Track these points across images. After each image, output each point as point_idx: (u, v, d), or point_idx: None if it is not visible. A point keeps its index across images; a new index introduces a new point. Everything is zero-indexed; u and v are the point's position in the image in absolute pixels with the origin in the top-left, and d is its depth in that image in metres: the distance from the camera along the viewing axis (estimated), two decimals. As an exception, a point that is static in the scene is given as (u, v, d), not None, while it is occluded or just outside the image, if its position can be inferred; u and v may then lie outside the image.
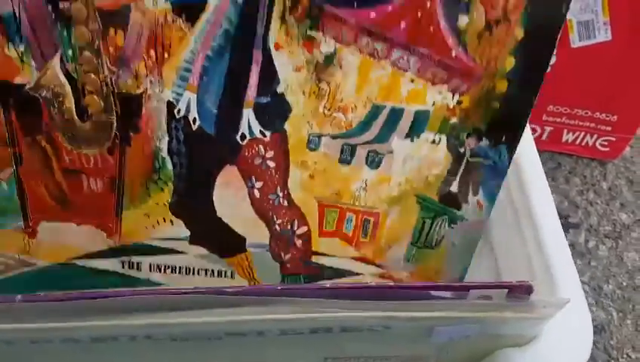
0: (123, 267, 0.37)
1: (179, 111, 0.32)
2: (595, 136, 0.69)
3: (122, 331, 0.28)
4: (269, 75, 0.31)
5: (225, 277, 0.38)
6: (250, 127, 0.33)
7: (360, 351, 0.32)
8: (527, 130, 0.39)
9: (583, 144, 0.70)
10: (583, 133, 0.69)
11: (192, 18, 0.30)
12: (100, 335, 0.28)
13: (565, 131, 0.70)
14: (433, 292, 0.28)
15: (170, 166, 0.34)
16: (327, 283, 0.28)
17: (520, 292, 0.28)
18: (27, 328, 0.27)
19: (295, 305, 0.27)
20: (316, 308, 0.28)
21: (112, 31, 0.30)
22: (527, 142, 0.39)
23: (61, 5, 0.29)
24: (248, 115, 0.32)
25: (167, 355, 0.30)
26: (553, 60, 0.66)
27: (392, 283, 0.30)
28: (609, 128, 0.69)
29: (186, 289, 0.27)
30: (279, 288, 0.27)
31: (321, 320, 0.28)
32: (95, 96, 0.31)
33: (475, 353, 0.32)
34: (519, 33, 0.30)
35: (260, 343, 0.30)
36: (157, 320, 0.27)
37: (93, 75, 0.31)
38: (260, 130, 0.33)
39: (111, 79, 0.31)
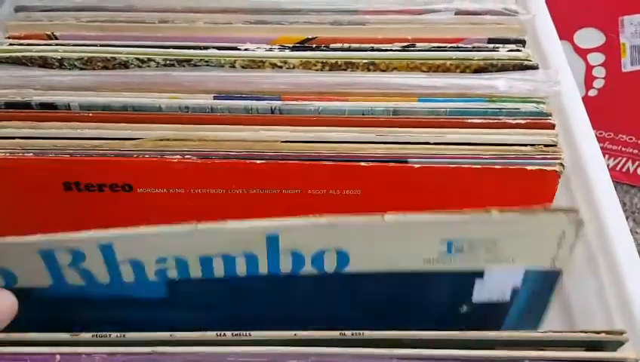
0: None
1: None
2: (637, 163, 0.68)
3: None
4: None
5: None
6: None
7: None
8: (601, 159, 0.37)
9: (624, 170, 0.69)
10: (624, 159, 0.68)
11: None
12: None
13: (607, 157, 0.68)
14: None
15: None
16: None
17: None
18: None
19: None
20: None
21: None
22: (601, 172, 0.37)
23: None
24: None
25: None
26: (602, 84, 0.64)
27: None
28: (651, 155, 0.67)
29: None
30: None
31: None
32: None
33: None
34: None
35: None
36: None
37: None
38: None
39: None
